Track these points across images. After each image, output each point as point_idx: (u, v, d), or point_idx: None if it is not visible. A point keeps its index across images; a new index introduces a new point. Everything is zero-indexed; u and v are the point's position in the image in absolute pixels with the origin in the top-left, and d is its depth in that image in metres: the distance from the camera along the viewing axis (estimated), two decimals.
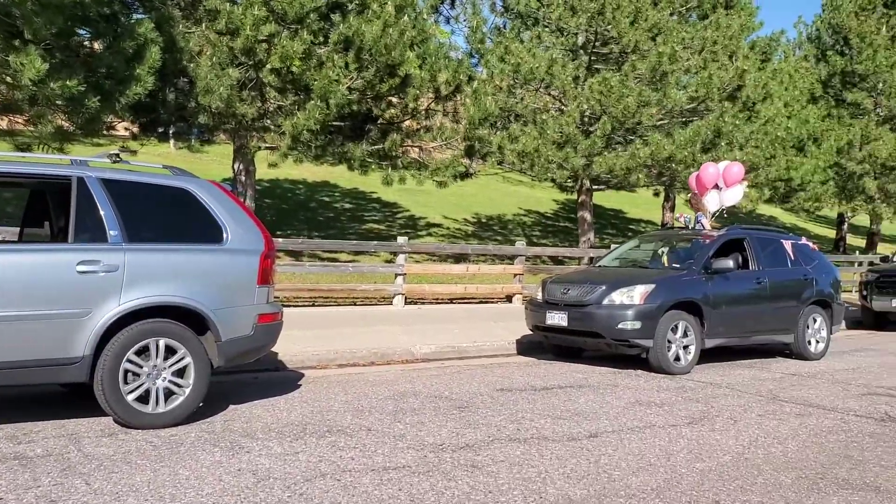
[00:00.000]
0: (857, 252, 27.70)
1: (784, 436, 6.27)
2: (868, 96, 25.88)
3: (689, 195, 13.00)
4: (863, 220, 35.65)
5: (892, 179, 25.02)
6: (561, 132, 14.76)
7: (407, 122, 15.39)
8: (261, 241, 6.45)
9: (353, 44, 13.15)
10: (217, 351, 6.11)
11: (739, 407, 7.30)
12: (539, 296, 9.79)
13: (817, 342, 10.69)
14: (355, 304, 12.82)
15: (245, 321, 6.24)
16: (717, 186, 12.16)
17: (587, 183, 17.11)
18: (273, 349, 8.20)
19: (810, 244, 11.29)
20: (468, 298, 14.04)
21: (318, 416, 6.31)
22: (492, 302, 14.19)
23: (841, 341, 13.28)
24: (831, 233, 37.83)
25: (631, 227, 32.73)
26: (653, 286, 8.90)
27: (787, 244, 10.73)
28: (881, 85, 25.86)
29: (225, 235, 6.25)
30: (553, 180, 16.44)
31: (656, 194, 27.12)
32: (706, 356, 9.97)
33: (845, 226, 32.50)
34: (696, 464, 5.35)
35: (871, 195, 25.41)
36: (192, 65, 12.89)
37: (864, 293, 15.27)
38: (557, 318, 9.20)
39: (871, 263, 20.37)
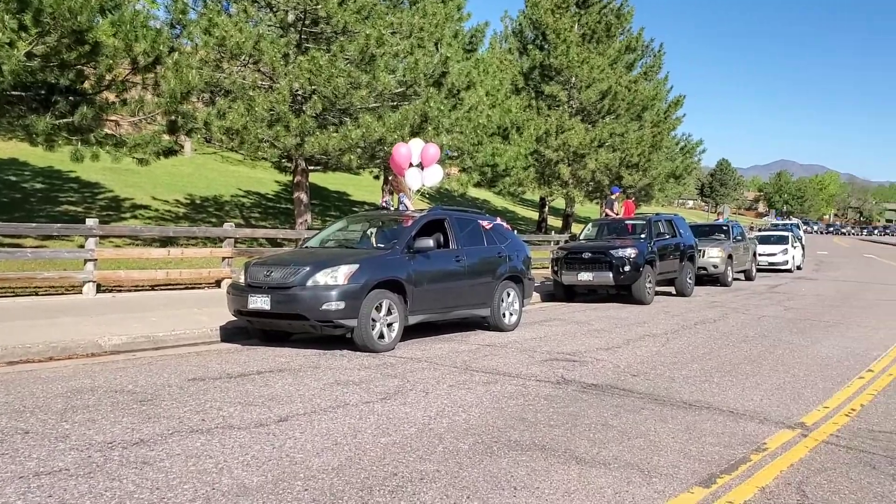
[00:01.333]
0: (553, 232, 30.39)
1: (469, 404, 6.58)
2: (563, 89, 28.35)
3: (391, 178, 13.28)
4: (561, 202, 39.24)
5: (583, 166, 27.70)
6: (271, 110, 14.38)
7: (103, 95, 14.08)
8: None
9: (30, 4, 11.68)
10: None
11: (433, 379, 7.57)
12: (241, 279, 9.41)
13: (511, 314, 11.46)
14: (37, 294, 11.49)
15: None
16: (413, 165, 12.50)
17: (302, 163, 16.88)
18: None
19: (504, 224, 12.05)
20: (173, 284, 13.22)
21: None
22: (199, 287, 13.50)
23: (535, 313, 14.42)
24: (536, 214, 41.27)
25: (355, 208, 33.05)
26: (356, 266, 8.92)
27: (484, 224, 11.35)
28: (574, 79, 28.45)
29: None
30: (265, 159, 16.01)
31: (376, 177, 27.61)
32: (412, 332, 10.29)
33: (546, 208, 35.57)
34: (381, 439, 5.41)
35: (566, 180, 27.98)
36: None
37: (555, 269, 16.71)
38: (260, 302, 8.90)
39: (566, 241, 22.43)
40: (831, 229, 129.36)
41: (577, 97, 28.31)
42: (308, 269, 8.85)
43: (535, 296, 16.91)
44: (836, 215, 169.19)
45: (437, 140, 15.75)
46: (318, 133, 14.77)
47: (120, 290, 12.47)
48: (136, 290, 12.79)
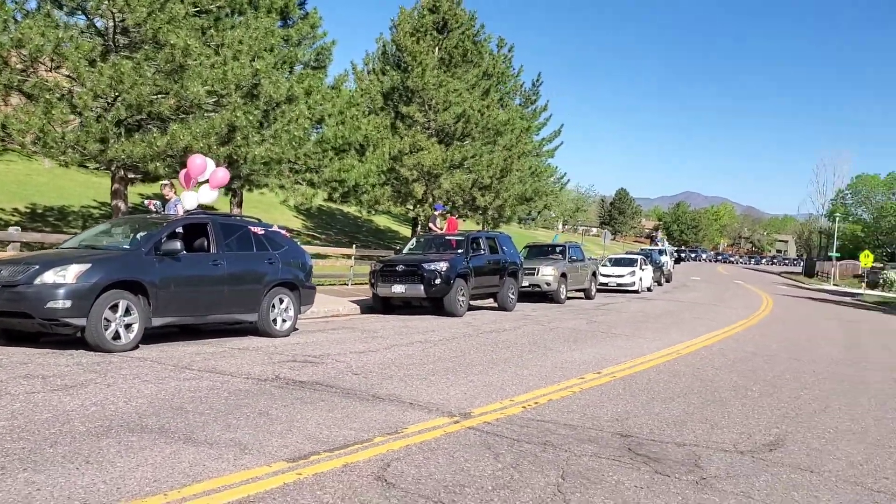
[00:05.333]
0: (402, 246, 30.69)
1: (141, 395, 6.73)
2: (419, 110, 28.90)
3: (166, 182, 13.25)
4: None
5: (438, 186, 28.30)
6: (74, 114, 14.24)
7: None
8: None
9: None
10: None
11: (134, 376, 7.66)
12: None
13: (284, 321, 11.63)
14: None
15: None
16: (200, 181, 12.48)
17: (121, 171, 16.72)
18: None
19: (283, 232, 12.24)
20: None
21: None
22: None
23: (339, 321, 14.73)
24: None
25: None
26: (88, 265, 8.93)
27: (256, 230, 11.53)
28: (432, 101, 29.07)
29: None
30: (67, 164, 15.77)
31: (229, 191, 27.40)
32: (185, 335, 10.46)
33: (419, 227, 36.01)
34: (2, 423, 5.50)
35: (420, 199, 28.48)
36: None
37: (372, 281, 17.03)
38: None
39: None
40: (720, 258, 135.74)
41: (434, 118, 28.94)
42: (37, 267, 8.82)
43: (355, 307, 17.22)
44: (730, 245, 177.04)
45: (249, 151, 15.90)
46: (123, 140, 14.70)
47: None
48: None
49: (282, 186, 23.12)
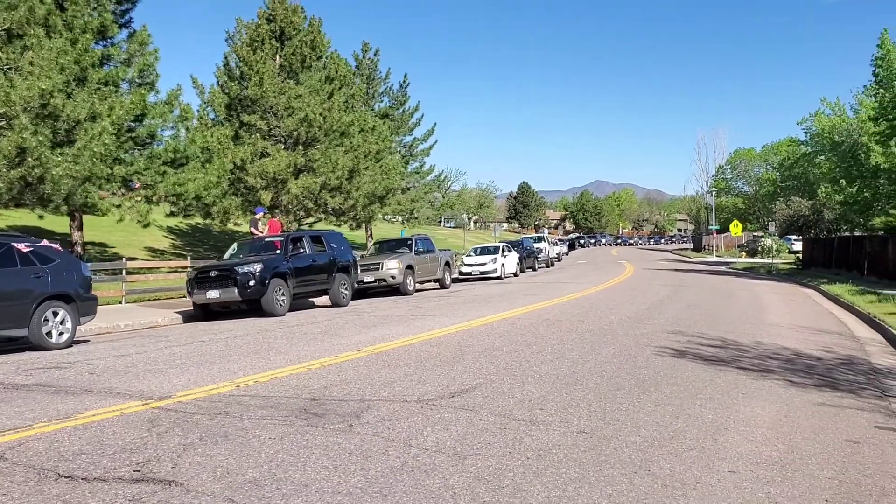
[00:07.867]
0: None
1: None
2: (261, 118, 28.94)
3: None
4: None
5: (287, 191, 28.42)
6: None
7: None
8: None
9: None
10: None
11: None
12: None
13: (60, 333, 11.67)
14: None
15: None
16: None
17: None
18: None
19: (54, 246, 12.28)
20: None
21: None
22: None
23: (150, 331, 14.71)
24: None
25: None
26: None
27: (21, 246, 11.55)
28: (273, 108, 29.17)
29: None
30: None
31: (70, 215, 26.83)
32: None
33: None
34: None
35: (269, 205, 28.58)
36: None
37: (189, 289, 17.07)
38: None
39: None
40: (619, 241, 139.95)
41: (279, 125, 29.10)
42: None
43: (177, 317, 17.19)
44: (633, 228, 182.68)
45: (46, 171, 15.76)
46: None
47: None
48: None
49: (118, 206, 22.88)
